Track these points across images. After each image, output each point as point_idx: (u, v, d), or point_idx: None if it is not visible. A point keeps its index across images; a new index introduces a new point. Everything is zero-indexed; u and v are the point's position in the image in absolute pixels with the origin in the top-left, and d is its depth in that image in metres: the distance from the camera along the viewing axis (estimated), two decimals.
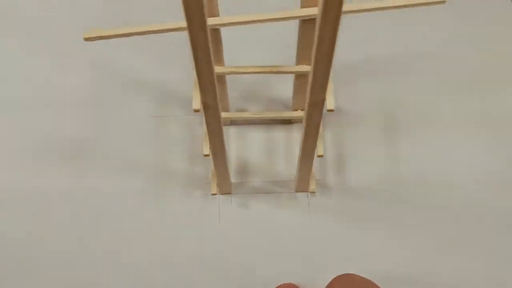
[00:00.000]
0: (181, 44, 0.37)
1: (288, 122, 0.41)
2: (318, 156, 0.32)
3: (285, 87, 0.40)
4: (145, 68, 0.42)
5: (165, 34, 0.29)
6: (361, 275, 0.36)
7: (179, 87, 0.41)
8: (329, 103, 0.26)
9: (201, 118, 0.40)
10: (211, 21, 0.28)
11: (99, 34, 0.28)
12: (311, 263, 0.37)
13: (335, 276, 0.36)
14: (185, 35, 0.27)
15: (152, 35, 0.29)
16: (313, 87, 0.25)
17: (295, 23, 0.30)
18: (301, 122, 0.30)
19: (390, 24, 0.42)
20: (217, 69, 0.31)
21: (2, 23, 0.44)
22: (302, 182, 0.38)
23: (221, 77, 0.34)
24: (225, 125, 0.40)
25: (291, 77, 0.36)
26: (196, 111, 0.27)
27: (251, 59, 0.35)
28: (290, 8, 0.29)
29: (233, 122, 0.41)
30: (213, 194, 0.38)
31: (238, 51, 0.36)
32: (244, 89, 0.41)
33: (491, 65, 0.41)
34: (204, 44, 0.21)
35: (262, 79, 0.41)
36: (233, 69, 0.32)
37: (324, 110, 0.28)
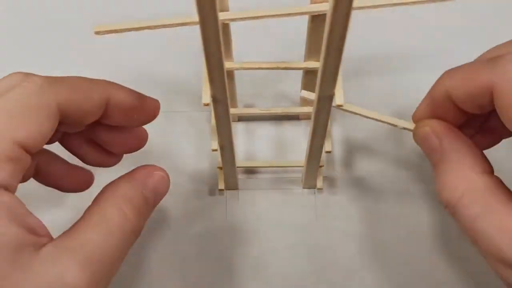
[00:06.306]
0: (188, 39, 0.37)
1: (296, 118, 0.41)
2: (326, 152, 0.32)
3: (293, 83, 0.40)
4: (151, 64, 0.43)
5: (171, 28, 0.29)
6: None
7: (186, 83, 0.41)
8: (338, 98, 0.26)
9: (207, 114, 0.40)
10: (221, 15, 0.28)
11: (109, 28, 0.28)
12: (318, 260, 0.37)
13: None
14: (193, 29, 0.27)
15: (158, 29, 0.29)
16: (323, 82, 0.25)
17: (304, 19, 0.30)
18: (309, 118, 0.31)
19: (399, 19, 0.43)
20: (226, 64, 0.32)
21: (6, 17, 0.45)
22: (310, 179, 0.38)
23: (230, 73, 0.34)
24: (233, 121, 0.40)
25: (300, 73, 0.37)
26: (206, 105, 0.27)
27: (259, 55, 0.35)
28: (300, 4, 0.29)
29: (240, 118, 0.41)
30: (220, 190, 0.39)
31: (246, 46, 0.36)
32: (252, 85, 0.41)
33: None
34: (215, 38, 0.21)
35: (270, 75, 0.41)
36: (242, 65, 0.32)
37: (333, 106, 0.28)
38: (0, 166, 0.23)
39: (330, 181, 0.39)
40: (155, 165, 0.31)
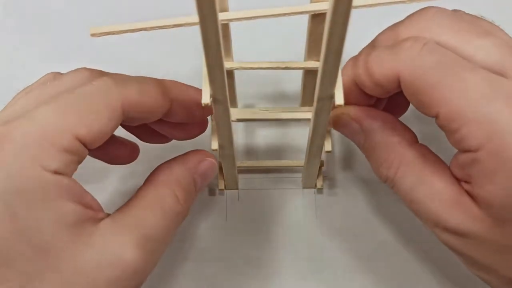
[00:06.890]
0: (187, 39, 0.37)
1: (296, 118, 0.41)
2: (326, 152, 0.32)
3: (293, 83, 0.40)
4: (151, 64, 0.42)
5: (170, 29, 0.29)
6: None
7: (186, 83, 0.41)
8: (338, 98, 0.26)
9: None
10: (221, 15, 0.28)
11: (105, 30, 0.28)
12: (318, 260, 0.37)
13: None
14: (193, 29, 0.27)
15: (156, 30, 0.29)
16: (322, 82, 0.25)
17: (304, 18, 0.30)
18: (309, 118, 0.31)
19: (399, 18, 0.43)
20: (226, 64, 0.32)
21: (7, 17, 0.45)
22: (309, 179, 0.38)
23: (230, 73, 0.34)
24: (232, 120, 0.40)
25: (300, 73, 0.37)
26: (206, 105, 0.27)
27: (259, 55, 0.35)
28: (300, 3, 0.29)
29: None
30: (220, 190, 0.39)
31: (246, 46, 0.36)
32: (252, 85, 0.41)
33: None
34: (215, 38, 0.21)
35: (270, 75, 0.41)
36: (242, 65, 0.32)
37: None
38: (58, 155, 0.24)
39: (330, 181, 0.39)
40: (206, 151, 0.32)
